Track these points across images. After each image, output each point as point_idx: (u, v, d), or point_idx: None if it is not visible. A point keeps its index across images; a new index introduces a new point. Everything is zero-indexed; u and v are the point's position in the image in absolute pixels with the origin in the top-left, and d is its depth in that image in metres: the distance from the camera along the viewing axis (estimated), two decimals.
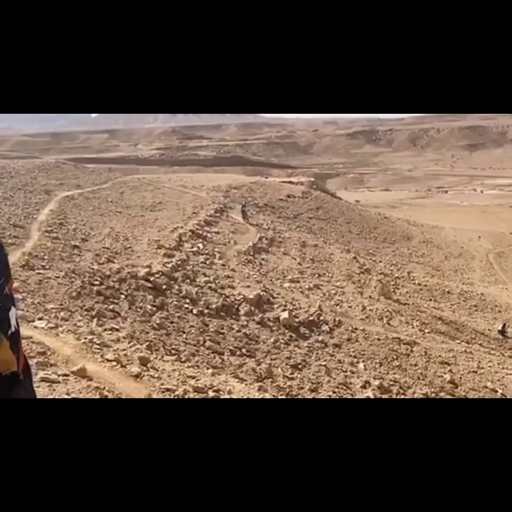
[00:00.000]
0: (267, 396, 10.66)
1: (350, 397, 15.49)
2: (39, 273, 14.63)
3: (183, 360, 12.79)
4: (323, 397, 6.14)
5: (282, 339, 17.63)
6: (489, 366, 21.24)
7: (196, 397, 8.89)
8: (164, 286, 17.54)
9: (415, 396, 16.82)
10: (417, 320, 24.85)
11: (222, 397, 9.38)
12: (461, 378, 19.08)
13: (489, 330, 27.26)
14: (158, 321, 14.97)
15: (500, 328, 27.06)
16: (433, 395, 17.16)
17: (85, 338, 10.38)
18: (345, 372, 17.00)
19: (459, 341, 23.78)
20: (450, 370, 19.34)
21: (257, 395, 10.40)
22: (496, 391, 18.83)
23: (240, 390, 10.54)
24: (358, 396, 15.64)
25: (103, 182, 36.31)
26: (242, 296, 19.18)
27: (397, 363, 18.71)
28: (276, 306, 19.86)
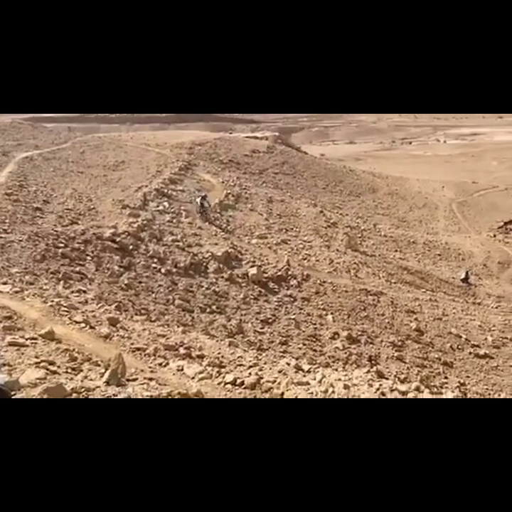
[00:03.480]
0: (238, 351, 10.78)
1: (320, 348, 15.80)
2: (1, 237, 14.29)
3: (153, 319, 12.80)
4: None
5: (251, 295, 17.76)
6: (453, 313, 21.85)
7: (167, 354, 8.94)
8: (131, 247, 17.36)
9: (383, 345, 17.25)
10: (384, 271, 25.24)
11: (193, 353, 9.45)
12: (426, 326, 19.61)
13: (453, 278, 27.91)
14: (126, 282, 14.88)
15: (463, 275, 27.72)
16: (400, 343, 17.63)
17: (52, 301, 10.25)
18: (315, 324, 17.29)
19: (424, 290, 24.32)
20: (416, 319, 19.83)
21: (228, 350, 10.51)
22: (460, 337, 19.43)
23: (210, 346, 10.63)
24: (328, 347, 15.97)
25: (63, 142, 35.30)
26: (210, 254, 19.14)
27: (365, 314, 19.08)
28: (244, 262, 19.90)
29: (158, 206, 23.13)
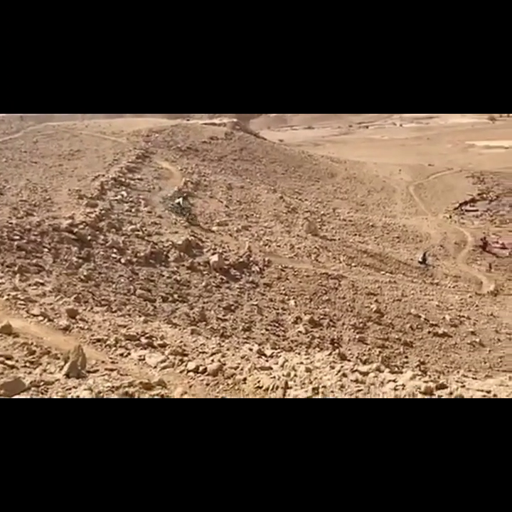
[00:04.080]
0: (200, 338, 10.76)
1: (283, 333, 15.92)
2: None
3: (113, 310, 12.65)
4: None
5: (213, 282, 17.72)
6: (412, 294, 22.28)
7: (128, 344, 8.86)
8: (89, 237, 17.07)
9: (344, 327, 17.49)
10: (344, 254, 25.53)
11: (155, 343, 9.38)
12: (386, 307, 19.95)
13: (411, 259, 28.44)
14: (85, 273, 14.63)
15: (421, 257, 28.29)
16: (361, 325, 17.91)
17: (8, 295, 10.01)
18: (277, 309, 17.39)
19: (383, 272, 24.71)
20: (376, 300, 20.16)
21: (191, 338, 10.48)
22: (419, 317, 19.85)
23: (173, 334, 10.57)
24: (290, 332, 16.10)
25: (15, 131, 34.36)
26: (170, 243, 19.00)
27: (326, 297, 19.28)
28: (205, 250, 19.83)
29: (116, 196, 22.80)
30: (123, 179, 25.71)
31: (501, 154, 72.39)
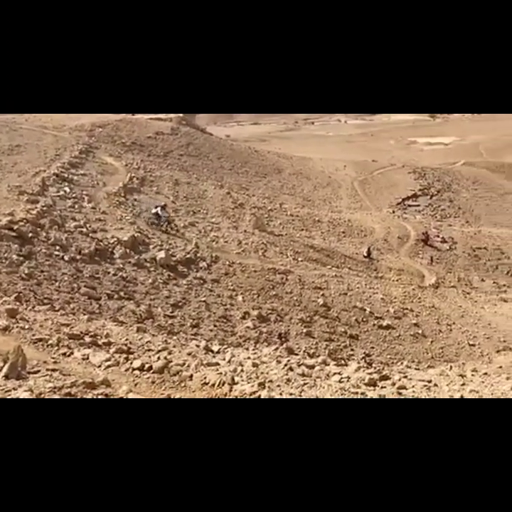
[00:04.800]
0: (146, 336, 10.63)
1: (231, 329, 15.92)
2: None
3: (56, 308, 12.32)
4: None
5: (160, 279, 17.53)
6: (358, 287, 22.70)
7: (71, 343, 8.65)
8: (30, 235, 16.54)
9: (292, 322, 17.65)
10: (291, 249, 25.75)
11: (99, 341, 9.20)
12: (332, 301, 20.25)
13: (357, 254, 28.96)
14: (26, 271, 14.18)
15: (365, 251, 28.85)
16: (308, 319, 18.12)
17: None
18: (225, 305, 17.38)
19: (329, 267, 25.06)
20: (323, 294, 20.43)
21: (137, 336, 10.33)
22: (365, 310, 20.25)
23: (118, 332, 10.39)
24: (239, 327, 16.13)
25: None
26: (115, 239, 18.65)
27: (274, 292, 19.40)
28: (151, 246, 19.59)
29: (58, 191, 22.18)
30: (65, 175, 25.05)
31: (441, 150, 74.73)
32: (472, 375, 10.83)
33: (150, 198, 26.96)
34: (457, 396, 7.67)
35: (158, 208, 22.76)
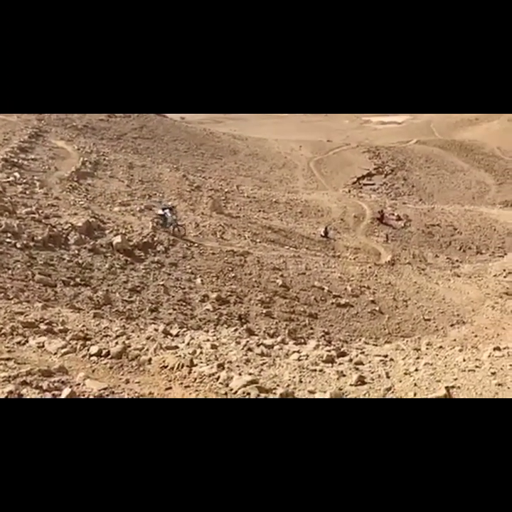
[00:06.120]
0: (104, 322, 10.50)
1: (190, 312, 15.88)
2: None
3: (10, 297, 12.02)
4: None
5: (117, 264, 17.30)
6: (316, 267, 22.91)
7: (26, 332, 8.47)
8: None
9: (251, 303, 17.73)
10: (249, 231, 25.76)
11: (55, 329, 9.03)
12: (291, 281, 20.41)
13: (314, 234, 29.20)
14: None
15: (323, 231, 29.12)
16: (267, 300, 18.22)
17: None
18: (184, 288, 17.30)
19: (287, 247, 25.20)
20: (281, 275, 20.55)
21: (94, 322, 10.20)
22: (323, 289, 20.48)
23: (74, 319, 10.23)
24: (198, 310, 16.09)
25: None
26: (69, 225, 18.26)
27: (233, 274, 19.41)
28: (107, 231, 19.27)
29: (8, 177, 21.56)
30: (15, 160, 24.33)
31: (395, 129, 75.69)
32: (427, 348, 11.13)
33: (104, 182, 26.49)
34: (412, 369, 7.88)
35: (167, 210, 21.89)
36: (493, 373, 7.36)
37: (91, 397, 5.50)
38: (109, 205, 23.00)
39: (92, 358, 7.45)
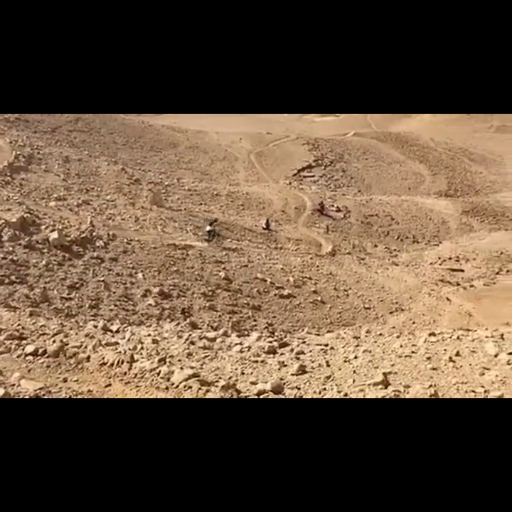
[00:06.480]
0: (41, 320, 10.20)
1: (132, 307, 15.66)
2: None
3: None
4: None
5: (55, 260, 16.83)
6: (258, 259, 23.03)
7: None
8: None
9: (194, 296, 17.65)
10: (191, 224, 25.60)
11: None
12: (234, 274, 20.43)
13: (256, 226, 29.31)
14: None
15: (264, 223, 29.28)
16: (210, 293, 18.18)
17: None
18: (125, 284, 17.03)
19: (230, 240, 25.19)
20: (224, 268, 20.54)
21: (30, 321, 9.89)
22: (266, 281, 20.62)
23: (9, 318, 9.89)
24: (140, 305, 15.89)
25: None
26: (3, 221, 17.61)
27: (175, 268, 19.25)
28: (43, 227, 18.69)
29: None
30: None
31: (333, 122, 76.79)
32: (366, 336, 11.39)
33: (39, 176, 25.67)
34: (351, 357, 8.05)
35: (213, 226, 24.74)
36: (429, 358, 7.61)
37: (27, 397, 5.35)
38: (44, 200, 22.32)
39: (27, 358, 7.22)
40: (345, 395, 6.15)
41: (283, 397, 6.22)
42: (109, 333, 9.27)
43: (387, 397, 5.72)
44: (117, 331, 9.38)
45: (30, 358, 7.25)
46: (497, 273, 25.36)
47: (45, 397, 5.51)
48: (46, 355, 7.27)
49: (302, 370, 7.42)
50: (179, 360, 7.02)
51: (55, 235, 17.91)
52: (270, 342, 8.39)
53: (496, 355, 7.35)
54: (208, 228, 24.44)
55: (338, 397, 6.08)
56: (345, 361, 8.00)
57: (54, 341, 7.95)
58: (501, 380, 6.29)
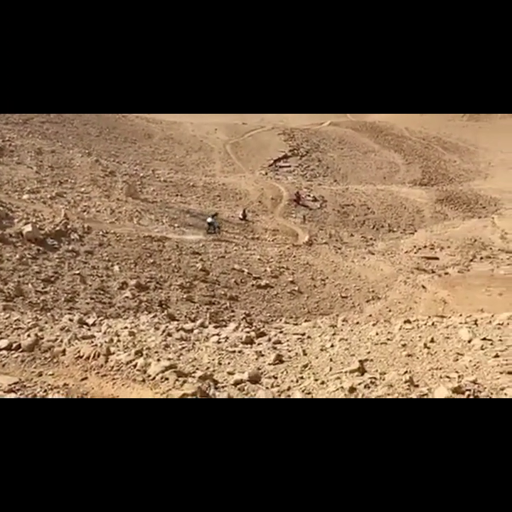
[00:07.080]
0: (15, 314, 10.07)
1: (109, 300, 15.54)
2: None
3: None
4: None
5: (29, 254, 16.61)
6: (235, 250, 23.01)
7: None
8: None
9: (171, 288, 17.57)
10: (166, 216, 25.46)
11: None
12: (211, 265, 20.40)
13: (232, 217, 29.27)
14: None
15: (241, 214, 29.26)
16: (188, 285, 18.13)
17: None
18: (101, 277, 16.89)
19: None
20: (201, 259, 20.49)
21: (3, 315, 9.75)
22: (243, 271, 20.62)
23: None
24: (117, 298, 15.78)
25: None
26: None
27: (152, 260, 19.15)
28: (16, 220, 18.43)
29: None
30: None
31: None
32: (342, 324, 11.48)
33: (11, 168, 25.26)
34: (328, 346, 8.12)
35: (214, 219, 25.59)
36: (404, 345, 7.71)
37: (0, 392, 5.28)
38: (17, 193, 21.99)
39: (1, 352, 7.12)
40: (322, 382, 6.20)
41: (260, 386, 6.24)
42: (85, 326, 9.19)
43: (363, 384, 5.79)
44: (93, 324, 9.30)
45: (4, 352, 7.15)
46: (471, 260, 25.72)
47: (20, 391, 5.46)
48: (20, 350, 7.18)
49: (279, 360, 7.46)
50: (156, 352, 7.00)
51: (28, 228, 17.66)
52: (248, 332, 8.41)
53: (469, 341, 7.47)
54: (210, 220, 25.14)
55: (315, 385, 6.13)
56: (322, 350, 8.05)
57: (29, 335, 7.85)
58: (475, 365, 6.40)
